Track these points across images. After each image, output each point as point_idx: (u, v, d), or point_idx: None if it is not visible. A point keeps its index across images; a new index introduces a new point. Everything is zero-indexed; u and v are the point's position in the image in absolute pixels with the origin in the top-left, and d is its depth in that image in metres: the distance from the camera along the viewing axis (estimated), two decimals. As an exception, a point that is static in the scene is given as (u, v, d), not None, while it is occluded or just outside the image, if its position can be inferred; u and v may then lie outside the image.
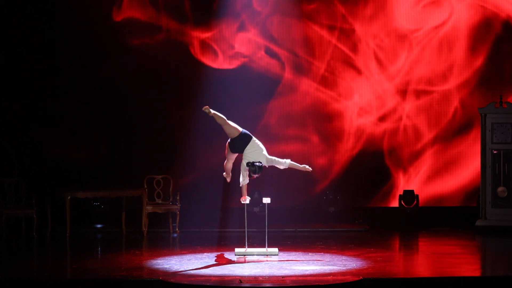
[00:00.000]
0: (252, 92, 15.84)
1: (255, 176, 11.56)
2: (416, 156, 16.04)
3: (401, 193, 15.71)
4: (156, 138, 16.05)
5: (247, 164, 11.51)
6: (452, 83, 15.99)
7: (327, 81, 16.12)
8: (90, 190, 14.39)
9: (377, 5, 16.04)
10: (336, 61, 16.12)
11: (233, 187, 12.24)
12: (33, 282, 10.02)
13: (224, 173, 11.98)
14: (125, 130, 16.07)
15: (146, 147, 16.04)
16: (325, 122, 16.15)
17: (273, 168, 11.77)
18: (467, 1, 15.94)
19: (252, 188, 15.15)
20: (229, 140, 11.69)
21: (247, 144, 11.56)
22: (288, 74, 16.13)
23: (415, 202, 15.60)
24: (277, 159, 11.65)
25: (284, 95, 16.11)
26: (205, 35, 16.06)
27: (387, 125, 16.11)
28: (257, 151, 11.57)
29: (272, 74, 16.11)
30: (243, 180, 11.68)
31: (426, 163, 16.02)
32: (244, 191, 11.82)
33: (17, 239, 13.98)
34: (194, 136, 15.74)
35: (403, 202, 15.64)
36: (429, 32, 16.00)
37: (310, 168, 11.75)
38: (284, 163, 11.66)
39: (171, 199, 14.70)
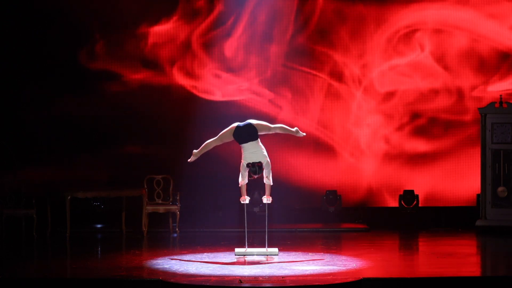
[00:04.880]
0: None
1: (256, 176, 11.58)
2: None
3: (401, 193, 15.74)
4: (156, 137, 16.07)
5: (247, 165, 11.52)
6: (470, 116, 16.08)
7: (323, 119, 16.20)
8: (90, 190, 14.39)
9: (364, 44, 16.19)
10: (329, 97, 16.22)
11: (233, 187, 12.24)
12: (33, 282, 10.02)
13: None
14: (125, 130, 16.09)
15: (146, 147, 16.05)
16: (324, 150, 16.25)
17: (273, 169, 11.76)
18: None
19: (252, 188, 15.17)
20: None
21: (255, 138, 11.53)
22: (285, 114, 16.23)
23: (415, 202, 15.61)
24: (269, 169, 11.64)
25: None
26: (189, 81, 16.16)
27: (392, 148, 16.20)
28: (259, 152, 11.56)
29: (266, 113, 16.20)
30: (243, 180, 11.68)
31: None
32: (244, 191, 11.82)
33: (17, 239, 13.98)
34: (194, 136, 15.74)
35: (403, 202, 15.65)
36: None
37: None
38: (269, 180, 11.66)
39: (171, 199, 14.70)
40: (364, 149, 16.21)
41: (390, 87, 16.16)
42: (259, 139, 11.60)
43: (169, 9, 16.14)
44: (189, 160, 11.92)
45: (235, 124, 11.65)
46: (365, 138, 16.21)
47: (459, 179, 16.05)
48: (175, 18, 16.13)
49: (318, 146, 16.18)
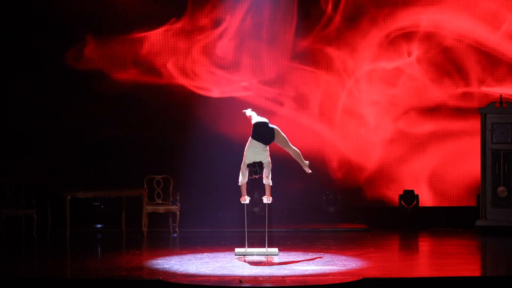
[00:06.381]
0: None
1: (256, 176, 11.59)
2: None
3: (401, 193, 15.74)
4: (156, 137, 16.07)
5: (248, 165, 11.52)
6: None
7: (325, 116, 16.24)
8: (90, 190, 14.38)
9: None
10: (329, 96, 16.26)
11: (233, 187, 12.24)
12: (33, 282, 10.03)
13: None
14: (124, 130, 16.09)
15: (146, 147, 16.05)
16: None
17: (274, 168, 11.77)
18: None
19: (252, 188, 15.16)
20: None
21: (266, 143, 11.57)
22: (286, 110, 16.23)
23: (415, 202, 15.60)
24: (269, 169, 11.65)
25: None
26: (187, 80, 16.19)
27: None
28: (262, 153, 11.56)
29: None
30: (243, 179, 11.67)
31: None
32: (244, 191, 11.82)
33: (17, 239, 13.98)
34: (194, 136, 15.74)
35: (403, 202, 15.65)
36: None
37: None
38: (269, 180, 11.68)
39: (171, 199, 14.70)
40: (364, 149, 16.20)
41: (388, 88, 16.16)
42: (268, 146, 11.65)
43: (174, 11, 16.16)
44: (243, 110, 12.26)
45: (266, 120, 11.72)
46: (365, 138, 16.20)
47: (459, 179, 16.06)
48: (177, 20, 16.15)
49: (318, 146, 16.18)
